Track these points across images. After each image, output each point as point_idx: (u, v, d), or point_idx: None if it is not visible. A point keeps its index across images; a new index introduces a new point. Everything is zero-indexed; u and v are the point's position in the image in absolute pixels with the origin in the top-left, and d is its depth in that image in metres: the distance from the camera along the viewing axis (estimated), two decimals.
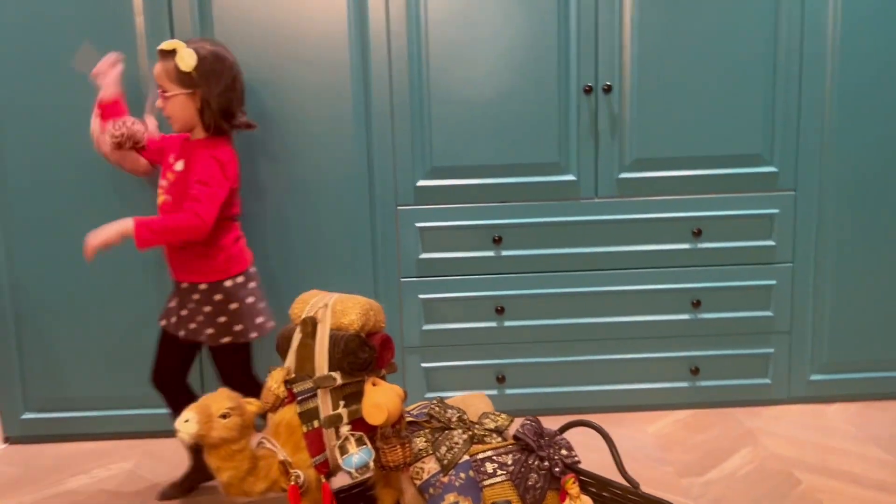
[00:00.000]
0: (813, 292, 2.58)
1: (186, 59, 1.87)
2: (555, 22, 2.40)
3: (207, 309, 1.97)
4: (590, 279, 2.55)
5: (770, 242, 2.54)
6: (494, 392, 2.59)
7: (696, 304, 2.56)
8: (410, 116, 2.43)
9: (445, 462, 1.15)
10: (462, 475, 1.16)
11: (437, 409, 1.21)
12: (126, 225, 1.83)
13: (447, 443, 1.18)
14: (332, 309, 1.11)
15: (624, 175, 2.50)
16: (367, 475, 1.05)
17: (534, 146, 2.47)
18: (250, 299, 2.00)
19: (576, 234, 2.52)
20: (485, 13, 2.39)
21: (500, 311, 2.55)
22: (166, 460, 2.41)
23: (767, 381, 2.63)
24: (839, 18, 2.42)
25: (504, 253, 2.53)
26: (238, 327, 1.96)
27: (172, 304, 2.07)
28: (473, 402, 1.29)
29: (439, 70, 2.41)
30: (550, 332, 2.57)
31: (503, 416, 1.21)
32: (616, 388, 2.61)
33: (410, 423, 1.20)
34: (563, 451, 1.18)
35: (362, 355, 1.08)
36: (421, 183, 2.48)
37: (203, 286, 1.97)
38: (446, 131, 2.44)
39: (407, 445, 1.11)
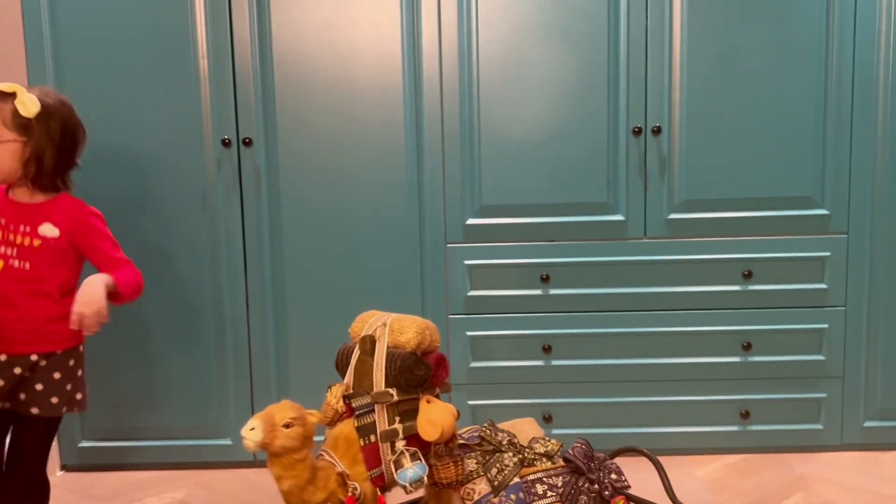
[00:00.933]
0: (866, 337, 2.54)
1: (28, 104, 1.69)
2: (605, 63, 2.45)
3: (57, 376, 1.80)
4: (638, 319, 2.55)
5: (822, 285, 2.52)
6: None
7: (747, 347, 2.53)
8: (461, 155, 2.49)
9: (496, 483, 1.17)
10: (513, 496, 1.18)
11: (488, 431, 1.23)
12: (107, 281, 1.74)
13: (498, 465, 1.20)
14: (389, 327, 1.15)
15: (673, 215, 2.52)
16: (421, 490, 1.07)
17: (583, 186, 2.51)
18: (84, 369, 1.90)
19: (624, 273, 2.53)
20: (535, 54, 2.46)
21: (547, 349, 2.56)
22: (217, 491, 2.45)
23: (820, 426, 2.58)
24: (890, 59, 2.43)
25: (552, 291, 2.55)
26: (79, 395, 1.85)
27: None
28: (523, 426, 1.31)
29: (490, 110, 2.47)
30: (598, 372, 2.57)
31: (553, 441, 1.23)
32: (664, 430, 2.59)
33: (462, 445, 1.22)
34: (613, 476, 1.19)
35: (418, 372, 1.11)
36: (470, 221, 2.53)
37: (58, 353, 1.80)
38: (496, 170, 2.50)
39: (459, 463, 1.14)
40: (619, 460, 1.36)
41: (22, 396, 1.78)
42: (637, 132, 2.47)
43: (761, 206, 2.50)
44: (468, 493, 1.19)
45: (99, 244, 1.81)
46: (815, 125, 2.46)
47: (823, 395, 2.56)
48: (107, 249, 1.82)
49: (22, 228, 1.74)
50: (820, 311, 2.53)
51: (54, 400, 1.78)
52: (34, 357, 1.77)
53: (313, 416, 1.08)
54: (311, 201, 2.51)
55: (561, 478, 1.19)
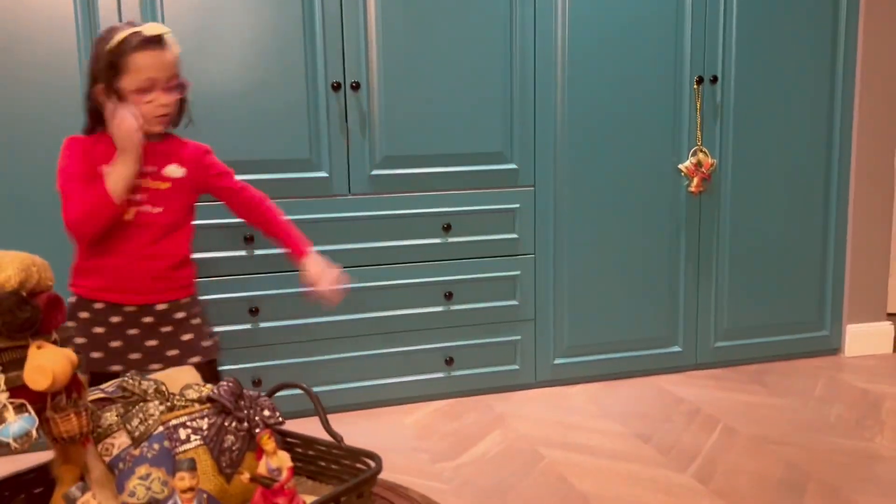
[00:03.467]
0: (553, 281, 2.76)
1: (175, 46, 1.69)
2: (299, 16, 2.40)
3: (196, 321, 1.82)
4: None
5: (514, 235, 2.69)
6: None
7: (449, 296, 2.64)
8: None
9: (137, 434, 1.08)
10: (156, 446, 1.09)
11: (130, 381, 1.13)
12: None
13: (140, 415, 1.10)
14: None
15: (376, 172, 2.54)
16: (28, 445, 0.96)
17: (285, 142, 2.44)
18: None
19: (330, 230, 2.51)
20: (225, 3, 2.34)
21: (254, 312, 2.48)
22: None
23: (516, 367, 2.76)
24: (568, 30, 2.64)
25: (257, 252, 2.47)
26: (215, 339, 1.91)
27: (120, 342, 1.74)
28: (179, 375, 1.22)
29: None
30: (307, 331, 2.54)
31: (209, 386, 1.16)
32: (375, 383, 2.62)
33: (102, 399, 1.12)
34: (266, 413, 1.15)
35: (22, 315, 0.98)
36: None
37: (186, 300, 1.80)
38: (189, 126, 2.34)
39: (84, 414, 1.03)
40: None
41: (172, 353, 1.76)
42: (336, 87, 2.45)
43: (458, 161, 2.61)
44: (107, 449, 1.09)
45: (225, 181, 1.86)
46: (502, 87, 2.61)
47: (518, 337, 2.75)
48: (215, 177, 1.86)
49: (150, 170, 1.71)
50: (512, 259, 2.70)
51: (206, 343, 1.83)
52: (161, 306, 1.75)
53: None
54: None
55: (206, 420, 1.12)
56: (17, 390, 0.95)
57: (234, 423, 1.09)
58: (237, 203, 1.89)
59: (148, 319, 1.74)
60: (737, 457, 2.27)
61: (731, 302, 2.93)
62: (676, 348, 2.92)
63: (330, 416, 1.15)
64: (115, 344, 1.73)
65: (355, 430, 2.45)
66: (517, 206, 2.67)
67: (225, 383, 1.11)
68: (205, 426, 1.07)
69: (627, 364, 2.88)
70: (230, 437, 1.07)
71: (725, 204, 2.86)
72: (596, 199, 2.75)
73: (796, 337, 3.04)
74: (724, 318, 2.94)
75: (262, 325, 2.50)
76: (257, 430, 1.08)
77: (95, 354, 1.71)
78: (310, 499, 1.04)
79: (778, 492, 2.05)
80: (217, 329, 2.42)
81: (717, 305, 2.93)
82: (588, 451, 2.33)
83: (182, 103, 1.76)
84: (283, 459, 1.04)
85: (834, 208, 2.99)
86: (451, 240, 2.63)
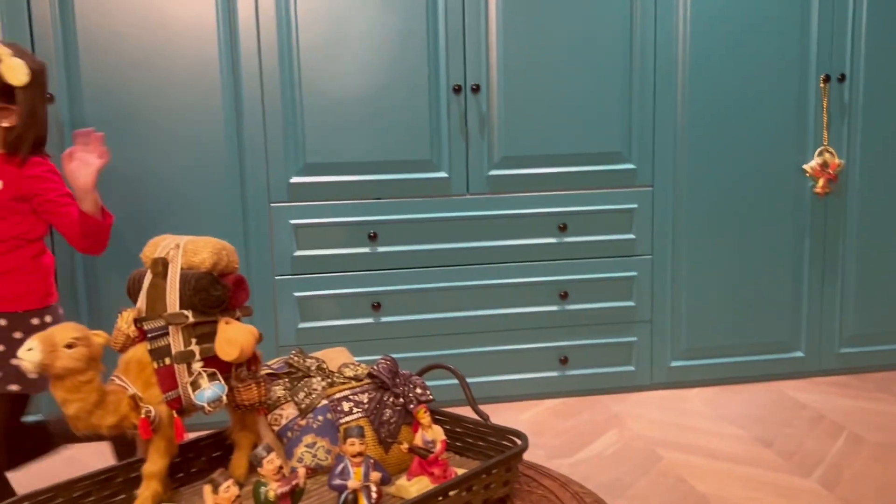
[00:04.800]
0: (671, 283, 2.75)
1: (18, 72, 1.57)
2: (423, 22, 2.49)
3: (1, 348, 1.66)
4: (463, 274, 2.62)
5: (630, 236, 2.70)
6: None
7: (564, 296, 2.67)
8: (282, 113, 2.45)
9: (303, 406, 1.17)
10: (320, 417, 1.18)
11: (296, 358, 1.23)
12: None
13: (305, 389, 1.20)
14: (183, 249, 1.11)
15: (493, 172, 2.60)
16: (218, 409, 1.06)
17: (406, 143, 2.54)
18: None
19: (449, 229, 2.59)
20: (354, 12, 2.46)
21: (376, 307, 2.58)
22: None
23: (632, 368, 2.76)
24: (688, 29, 2.63)
25: (380, 249, 2.57)
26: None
27: None
28: (334, 355, 1.31)
29: (310, 67, 2.45)
30: (426, 326, 2.62)
31: (363, 365, 1.25)
32: (491, 379, 2.68)
33: (269, 374, 1.22)
34: (418, 390, 1.22)
35: (214, 293, 1.08)
36: (295, 180, 2.49)
37: (13, 315, 1.66)
38: (319, 128, 2.48)
39: (262, 384, 1.13)
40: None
41: None
42: (457, 90, 2.53)
43: (574, 161, 2.64)
44: (275, 419, 1.19)
45: (42, 194, 1.66)
46: (622, 86, 2.63)
47: (634, 338, 2.75)
48: (46, 200, 1.66)
49: None
50: (629, 259, 2.71)
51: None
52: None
53: (99, 337, 1.02)
54: (125, 164, 2.37)
55: (367, 394, 1.20)
56: (207, 361, 1.06)
57: (391, 399, 1.17)
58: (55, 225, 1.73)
59: None
60: (864, 464, 2.21)
61: (857, 307, 2.84)
62: (799, 353, 2.85)
63: (446, 409, 1.23)
64: None
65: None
66: (635, 206, 2.68)
67: (383, 361, 1.19)
68: (365, 400, 1.15)
69: (746, 369, 2.83)
70: (388, 411, 1.15)
71: (853, 206, 2.78)
72: (716, 199, 2.72)
73: None
74: (849, 323, 2.85)
75: (384, 319, 2.60)
76: (411, 406, 1.16)
77: None
78: (459, 471, 1.10)
79: None
80: (341, 322, 2.57)
81: (843, 310, 2.84)
82: (707, 453, 2.31)
83: (21, 128, 1.62)
84: (438, 433, 1.12)
85: None
86: (566, 239, 2.66)
